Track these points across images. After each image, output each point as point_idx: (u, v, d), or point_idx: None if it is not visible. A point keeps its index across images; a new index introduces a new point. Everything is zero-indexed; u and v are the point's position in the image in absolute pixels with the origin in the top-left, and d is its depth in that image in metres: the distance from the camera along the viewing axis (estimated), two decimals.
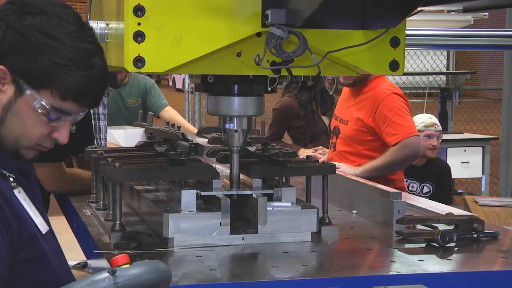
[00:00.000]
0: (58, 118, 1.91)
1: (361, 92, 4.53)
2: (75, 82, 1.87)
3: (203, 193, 2.67)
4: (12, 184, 1.90)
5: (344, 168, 4.20)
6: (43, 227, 1.94)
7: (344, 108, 4.66)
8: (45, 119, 1.90)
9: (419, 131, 5.78)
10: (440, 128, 6.10)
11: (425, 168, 5.97)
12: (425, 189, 5.91)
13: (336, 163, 4.24)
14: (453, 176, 6.69)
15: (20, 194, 1.90)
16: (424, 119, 6.05)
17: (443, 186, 6.13)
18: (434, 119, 6.11)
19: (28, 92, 1.87)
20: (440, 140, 6.12)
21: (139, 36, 2.36)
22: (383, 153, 4.38)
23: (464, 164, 8.52)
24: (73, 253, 3.86)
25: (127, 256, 1.77)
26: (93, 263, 2.86)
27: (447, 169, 6.28)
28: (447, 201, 5.80)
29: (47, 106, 1.88)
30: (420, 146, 4.54)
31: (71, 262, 4.39)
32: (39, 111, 1.88)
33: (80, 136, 3.32)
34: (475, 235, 2.74)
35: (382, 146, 4.41)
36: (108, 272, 1.73)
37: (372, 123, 4.42)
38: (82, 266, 4.41)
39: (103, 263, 2.50)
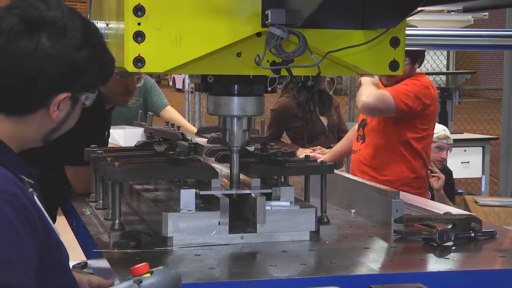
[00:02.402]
0: None
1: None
2: (111, 69, 2.03)
3: (202, 193, 2.68)
4: (30, 189, 1.90)
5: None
6: (59, 234, 1.96)
7: None
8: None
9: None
10: (451, 141, 6.01)
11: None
12: None
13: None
14: (453, 176, 6.66)
15: (37, 200, 1.91)
16: (438, 130, 5.87)
17: (447, 190, 6.10)
18: (447, 132, 5.98)
19: (83, 97, 1.97)
20: (450, 152, 6.05)
21: (139, 36, 2.38)
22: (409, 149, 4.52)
23: (464, 164, 8.52)
24: (73, 253, 3.87)
25: (147, 265, 1.83)
26: (92, 262, 2.87)
27: (449, 174, 6.25)
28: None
29: (94, 97, 2.01)
30: (391, 107, 4.55)
31: (71, 262, 4.40)
32: (88, 102, 2.00)
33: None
34: (473, 234, 2.75)
35: (408, 137, 4.49)
36: (134, 281, 1.80)
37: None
38: (82, 266, 4.43)
39: (102, 262, 2.51)
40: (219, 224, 2.59)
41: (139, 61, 2.39)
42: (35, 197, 1.89)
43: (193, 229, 2.58)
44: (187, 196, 2.61)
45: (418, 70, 4.96)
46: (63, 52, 1.86)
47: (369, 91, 4.57)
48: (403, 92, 4.54)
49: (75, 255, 3.88)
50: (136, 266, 1.83)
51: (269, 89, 2.76)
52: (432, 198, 5.68)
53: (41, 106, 1.89)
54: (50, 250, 1.86)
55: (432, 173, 5.55)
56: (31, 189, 1.90)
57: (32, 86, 1.86)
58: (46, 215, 1.92)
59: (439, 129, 5.90)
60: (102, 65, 1.97)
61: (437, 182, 5.61)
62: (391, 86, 4.68)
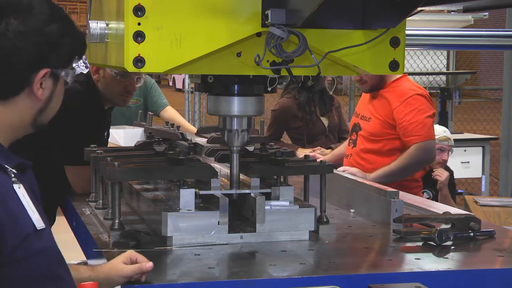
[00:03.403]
0: None
1: (386, 91, 4.52)
2: (83, 42, 2.06)
3: (201, 192, 2.69)
4: (13, 179, 1.92)
5: (355, 173, 4.19)
6: (39, 224, 1.96)
7: (366, 105, 4.65)
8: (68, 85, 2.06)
9: None
10: (452, 142, 5.97)
11: (427, 175, 5.93)
12: (425, 195, 5.88)
13: (347, 167, 4.24)
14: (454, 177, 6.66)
15: (20, 190, 1.92)
16: (438, 132, 5.82)
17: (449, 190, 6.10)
18: (448, 133, 5.93)
19: (63, 73, 2.00)
20: (451, 154, 6.02)
21: (139, 36, 2.38)
22: (402, 153, 4.38)
23: (464, 164, 8.51)
24: (73, 253, 3.87)
25: (96, 284, 1.80)
26: (92, 262, 2.87)
27: (450, 174, 6.24)
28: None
29: (74, 72, 2.04)
30: (435, 151, 4.51)
31: (71, 262, 4.38)
32: (69, 79, 2.02)
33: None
34: (472, 234, 2.76)
35: (403, 145, 4.40)
36: None
37: (394, 121, 4.42)
38: None
39: (102, 262, 2.51)
40: (218, 223, 2.60)
41: (139, 61, 2.39)
42: (16, 187, 1.91)
43: (193, 229, 2.58)
44: (187, 195, 2.62)
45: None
46: (33, 27, 1.92)
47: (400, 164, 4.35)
48: (427, 129, 4.39)
49: (75, 254, 3.88)
50: (84, 283, 1.82)
51: (269, 89, 2.76)
52: (435, 199, 5.69)
53: (25, 85, 1.94)
54: (18, 242, 1.87)
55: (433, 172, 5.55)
56: (14, 179, 1.92)
57: (11, 66, 1.91)
58: (27, 206, 1.92)
59: (440, 131, 5.88)
60: (74, 38, 2.01)
61: (440, 176, 5.61)
62: (367, 91, 4.57)
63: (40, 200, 2.03)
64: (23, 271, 1.89)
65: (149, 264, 2.19)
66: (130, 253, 2.26)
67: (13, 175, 1.92)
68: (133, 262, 2.23)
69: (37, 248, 1.92)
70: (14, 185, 1.92)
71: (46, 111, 2.01)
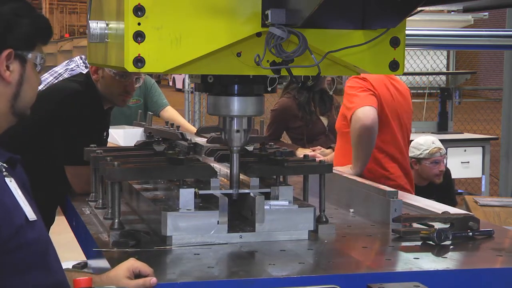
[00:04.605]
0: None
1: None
2: (45, 24, 2.08)
3: (201, 192, 2.69)
4: (4, 173, 1.93)
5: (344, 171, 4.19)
6: (31, 216, 1.97)
7: None
8: (39, 69, 2.07)
9: (424, 158, 5.73)
10: (444, 150, 5.93)
11: (430, 185, 5.93)
12: None
13: (339, 167, 4.25)
14: (453, 176, 6.65)
15: (11, 183, 1.94)
16: (428, 145, 5.75)
17: (448, 191, 6.11)
18: (438, 143, 5.86)
19: (29, 56, 2.01)
20: (446, 160, 5.97)
21: (139, 36, 2.38)
22: None
23: (464, 164, 8.52)
24: (73, 253, 3.88)
25: (90, 280, 1.81)
26: (92, 262, 2.88)
27: (448, 173, 6.25)
28: (452, 203, 5.78)
29: (43, 56, 2.06)
30: (374, 116, 4.22)
31: (71, 262, 4.39)
32: (39, 65, 2.04)
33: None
34: (471, 233, 2.76)
35: None
36: None
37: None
38: (82, 266, 4.43)
39: (102, 261, 2.52)
40: (218, 223, 2.60)
41: (139, 61, 2.40)
42: (8, 181, 1.94)
43: (192, 228, 2.59)
44: (186, 195, 2.62)
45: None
46: None
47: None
48: (360, 99, 4.27)
49: (75, 254, 3.89)
50: (79, 278, 1.84)
51: (269, 89, 2.77)
52: (438, 200, 5.68)
53: None
54: (12, 234, 1.88)
55: None
56: (5, 173, 1.94)
57: None
58: (19, 199, 1.94)
59: (429, 143, 5.82)
60: (33, 20, 2.03)
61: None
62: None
63: (31, 196, 2.04)
64: (16, 260, 1.90)
65: (153, 280, 2.18)
66: (132, 264, 2.22)
67: (4, 169, 1.94)
68: (135, 273, 2.21)
69: (30, 239, 1.94)
70: (5, 178, 1.94)
71: (21, 96, 2.02)
